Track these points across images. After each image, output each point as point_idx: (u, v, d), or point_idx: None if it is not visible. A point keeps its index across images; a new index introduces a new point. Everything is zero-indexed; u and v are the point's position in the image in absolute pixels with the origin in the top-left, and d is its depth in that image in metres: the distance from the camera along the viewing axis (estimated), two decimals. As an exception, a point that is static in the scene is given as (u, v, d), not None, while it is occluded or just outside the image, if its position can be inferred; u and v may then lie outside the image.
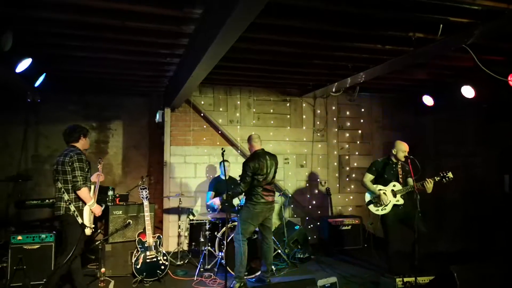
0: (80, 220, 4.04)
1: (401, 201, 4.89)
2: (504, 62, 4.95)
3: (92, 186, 4.37)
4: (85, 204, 4.11)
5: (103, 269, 4.78)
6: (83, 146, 4.37)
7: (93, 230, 4.22)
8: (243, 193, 4.88)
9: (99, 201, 5.71)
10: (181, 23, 3.89)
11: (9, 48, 3.80)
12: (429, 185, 4.67)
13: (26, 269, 4.55)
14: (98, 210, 4.26)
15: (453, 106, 6.67)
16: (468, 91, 5.98)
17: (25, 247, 4.66)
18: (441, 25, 3.84)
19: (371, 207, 5.01)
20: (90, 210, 4.16)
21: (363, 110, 7.88)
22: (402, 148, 4.92)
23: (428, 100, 6.82)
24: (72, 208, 4.02)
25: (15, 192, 6.38)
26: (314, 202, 7.41)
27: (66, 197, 4.03)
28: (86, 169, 4.15)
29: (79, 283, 4.23)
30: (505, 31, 3.70)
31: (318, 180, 7.51)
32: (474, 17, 3.63)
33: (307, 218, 7.28)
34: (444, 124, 7.41)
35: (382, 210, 4.93)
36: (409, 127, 7.80)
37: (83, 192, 4.03)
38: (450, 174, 4.64)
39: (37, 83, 5.10)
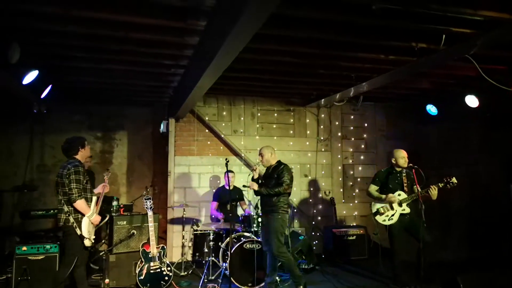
0: (78, 232, 4.07)
1: (407, 210, 4.87)
2: (506, 71, 4.96)
3: (94, 198, 4.35)
4: (84, 215, 4.12)
5: (107, 280, 4.78)
6: (83, 156, 4.37)
7: (93, 241, 4.21)
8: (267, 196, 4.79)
9: (103, 211, 5.76)
10: (185, 34, 3.93)
11: (16, 60, 3.86)
12: (434, 191, 4.66)
13: (31, 280, 4.56)
14: (97, 219, 4.27)
15: (457, 115, 6.67)
16: (471, 101, 5.99)
17: (29, 257, 4.67)
18: (444, 36, 3.87)
19: (378, 218, 4.99)
20: (89, 221, 4.16)
21: (366, 119, 7.89)
22: (400, 155, 4.95)
23: (432, 109, 6.82)
24: (71, 219, 4.07)
25: (20, 202, 6.42)
26: (318, 212, 7.38)
27: (66, 208, 4.08)
28: (84, 181, 4.17)
29: None
30: (507, 41, 3.72)
31: (322, 189, 7.49)
32: (476, 27, 3.66)
33: (311, 228, 7.24)
34: (448, 132, 7.40)
35: (389, 220, 4.91)
36: (413, 136, 7.79)
37: (79, 205, 4.05)
38: (454, 180, 4.63)
39: (43, 95, 5.15)
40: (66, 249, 4.15)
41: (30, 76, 4.42)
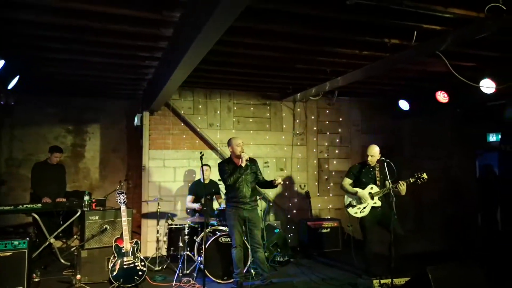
0: None
1: (379, 203, 4.98)
2: (475, 68, 5.11)
3: None
4: None
5: (78, 276, 4.69)
6: None
7: None
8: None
9: (75, 206, 5.64)
10: (161, 26, 3.86)
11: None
12: (402, 187, 4.77)
13: (-2, 276, 4.41)
14: None
15: (429, 110, 6.84)
16: (442, 96, 6.15)
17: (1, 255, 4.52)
18: (415, 32, 3.93)
19: (350, 210, 5.08)
20: None
21: (342, 114, 7.99)
22: (369, 152, 5.05)
23: (404, 105, 6.97)
24: None
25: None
26: (293, 205, 7.45)
27: None
28: None
29: None
30: (475, 38, 3.81)
31: (298, 183, 7.55)
32: (446, 25, 3.74)
33: (286, 221, 7.30)
34: (421, 127, 7.59)
35: (360, 212, 5.01)
36: (387, 130, 7.95)
37: None
38: (424, 175, 4.74)
39: (10, 86, 4.96)
40: None
41: (-5, 66, 4.25)
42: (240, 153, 4.80)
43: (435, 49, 4.09)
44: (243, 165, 4.73)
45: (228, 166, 4.87)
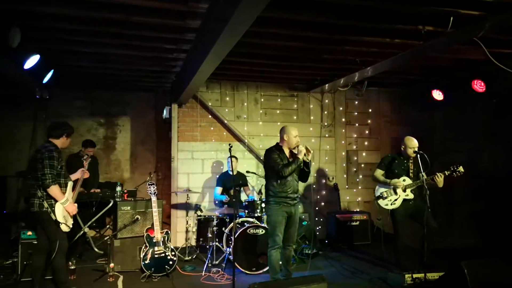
0: (53, 217, 3.97)
1: (411, 196, 4.85)
2: (514, 55, 4.87)
3: (70, 183, 4.25)
4: (57, 201, 4.00)
5: (112, 264, 4.83)
6: (63, 144, 4.24)
7: (70, 226, 4.11)
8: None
9: (107, 197, 5.79)
10: (187, 17, 3.87)
11: (17, 44, 3.81)
12: (439, 179, 4.62)
13: (36, 264, 4.59)
14: (72, 208, 4.15)
15: (463, 101, 6.59)
16: (478, 85, 5.90)
17: (35, 242, 4.68)
18: (452, 18, 3.77)
19: (380, 202, 4.97)
20: (62, 207, 4.05)
21: (371, 105, 7.80)
22: (409, 144, 4.85)
23: (437, 95, 6.73)
24: (46, 204, 3.96)
25: (24, 187, 6.44)
26: (322, 197, 7.38)
27: (39, 193, 3.96)
28: (59, 166, 4.05)
29: (61, 282, 4.13)
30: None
31: (326, 175, 7.47)
32: (485, 9, 3.57)
33: (315, 213, 7.25)
34: (453, 119, 7.32)
35: (391, 204, 4.89)
36: (418, 122, 7.68)
37: (52, 190, 3.93)
38: (461, 168, 4.57)
39: (45, 80, 5.12)
40: (48, 235, 4.03)
41: (32, 61, 4.38)
42: (296, 145, 4.44)
43: (472, 35, 3.91)
44: (300, 157, 4.31)
45: (279, 155, 4.42)
